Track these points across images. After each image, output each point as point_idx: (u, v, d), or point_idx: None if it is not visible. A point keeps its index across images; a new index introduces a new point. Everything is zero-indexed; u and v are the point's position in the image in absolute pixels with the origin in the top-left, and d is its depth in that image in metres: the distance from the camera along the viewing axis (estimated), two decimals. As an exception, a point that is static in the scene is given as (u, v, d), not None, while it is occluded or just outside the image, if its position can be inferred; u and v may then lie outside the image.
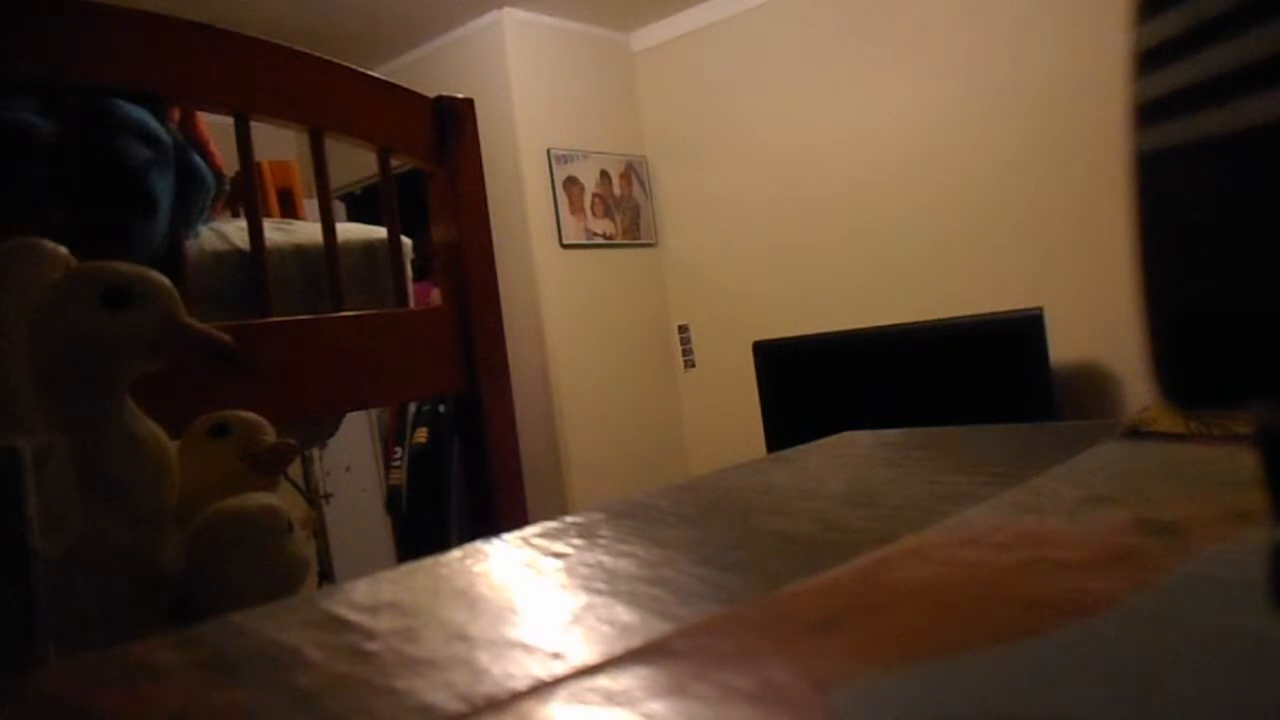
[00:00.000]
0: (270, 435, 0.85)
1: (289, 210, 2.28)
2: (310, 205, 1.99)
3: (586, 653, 0.24)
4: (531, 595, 0.31)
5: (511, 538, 0.39)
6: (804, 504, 0.40)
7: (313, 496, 2.84)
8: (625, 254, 3.56)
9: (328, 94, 1.47)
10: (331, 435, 1.88)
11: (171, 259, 1.27)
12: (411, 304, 1.62)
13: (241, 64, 1.35)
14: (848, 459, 0.50)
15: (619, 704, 0.20)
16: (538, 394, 3.22)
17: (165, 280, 0.73)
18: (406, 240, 1.63)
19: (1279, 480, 0.19)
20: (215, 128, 1.51)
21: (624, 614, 0.27)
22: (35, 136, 1.17)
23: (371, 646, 0.26)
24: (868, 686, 0.19)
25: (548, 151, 3.31)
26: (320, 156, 1.45)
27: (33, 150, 1.16)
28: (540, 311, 3.23)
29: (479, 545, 0.38)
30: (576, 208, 3.40)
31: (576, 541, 0.37)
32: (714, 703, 0.19)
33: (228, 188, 1.52)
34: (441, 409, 2.92)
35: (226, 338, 0.74)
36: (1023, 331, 2.41)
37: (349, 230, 1.62)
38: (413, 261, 1.68)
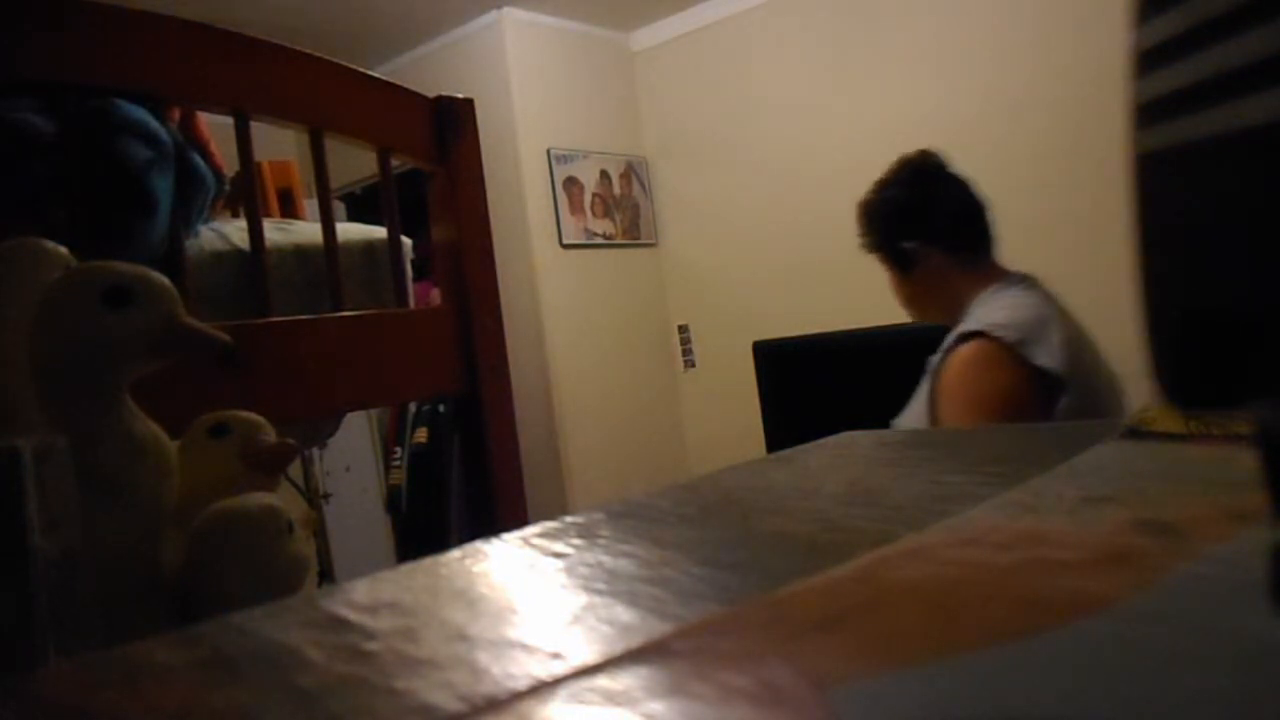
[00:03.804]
0: (270, 435, 0.85)
1: (289, 210, 2.28)
2: (310, 205, 1.99)
3: (586, 653, 0.24)
4: (531, 595, 0.31)
5: (511, 538, 0.39)
6: (804, 504, 0.40)
7: (313, 496, 2.83)
8: (625, 254, 3.56)
9: (328, 94, 1.47)
10: (331, 435, 1.88)
11: (171, 259, 1.27)
12: (411, 304, 1.62)
13: (241, 64, 1.35)
14: (848, 459, 0.50)
15: (619, 704, 0.20)
16: (538, 394, 3.22)
17: (165, 280, 0.73)
18: (406, 240, 1.63)
19: (1279, 480, 0.19)
20: (215, 128, 1.51)
21: (624, 614, 0.27)
22: (35, 136, 1.17)
23: (371, 646, 0.26)
24: (868, 686, 0.19)
25: (548, 151, 3.31)
26: (320, 156, 1.45)
27: (33, 150, 1.16)
28: (540, 311, 3.23)
29: (479, 545, 0.38)
30: (576, 208, 3.40)
31: (576, 541, 0.37)
32: (714, 703, 0.19)
33: (228, 188, 1.51)
34: (441, 409, 2.92)
35: (226, 337, 0.74)
36: (1023, 331, 2.41)
37: (349, 230, 1.62)
38: (413, 261, 1.68)
